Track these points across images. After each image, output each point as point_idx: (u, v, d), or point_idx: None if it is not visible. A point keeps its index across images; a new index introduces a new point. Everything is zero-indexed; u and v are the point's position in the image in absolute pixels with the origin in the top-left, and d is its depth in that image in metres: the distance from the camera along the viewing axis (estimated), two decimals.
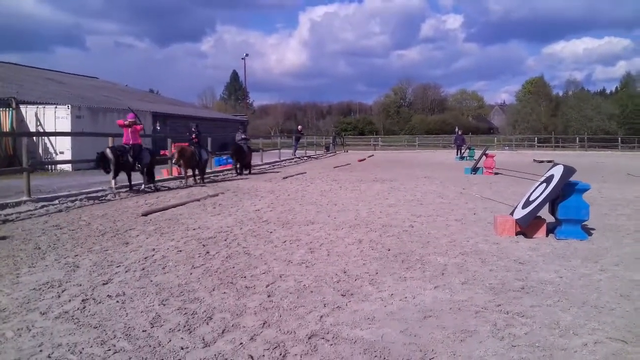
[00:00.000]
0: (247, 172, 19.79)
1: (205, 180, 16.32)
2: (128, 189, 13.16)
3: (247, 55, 61.36)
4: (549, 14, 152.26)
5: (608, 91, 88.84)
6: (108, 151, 12.51)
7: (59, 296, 4.65)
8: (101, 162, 12.40)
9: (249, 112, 78.32)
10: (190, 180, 15.60)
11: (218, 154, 23.09)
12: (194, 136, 16.37)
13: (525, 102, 71.11)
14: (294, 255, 6.23)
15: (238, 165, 19.56)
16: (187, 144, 16.14)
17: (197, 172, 15.94)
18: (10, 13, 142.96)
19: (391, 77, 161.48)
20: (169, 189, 14.22)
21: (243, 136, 20.09)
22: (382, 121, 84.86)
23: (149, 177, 13.86)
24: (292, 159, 30.79)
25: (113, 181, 12.70)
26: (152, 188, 13.78)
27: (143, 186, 13.63)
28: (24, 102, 22.60)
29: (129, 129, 13.13)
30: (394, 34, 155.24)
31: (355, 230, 7.77)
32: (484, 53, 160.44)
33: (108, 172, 12.60)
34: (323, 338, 3.69)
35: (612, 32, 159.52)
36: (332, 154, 41.50)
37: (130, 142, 13.04)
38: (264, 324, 3.98)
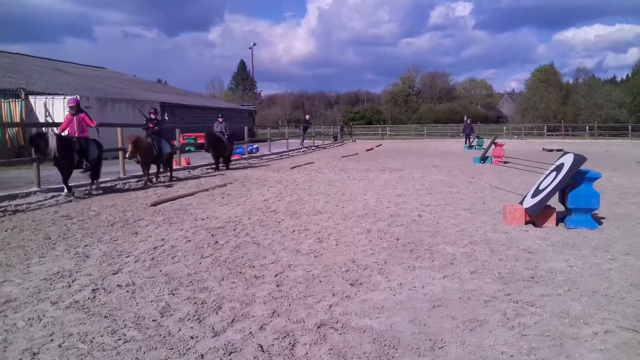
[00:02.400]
0: (223, 167, 17.54)
1: (174, 179, 13.96)
2: (66, 190, 10.64)
3: (254, 44, 61.31)
4: (560, 1, 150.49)
5: (619, 79, 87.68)
6: (51, 134, 10.36)
7: (70, 286, 4.68)
8: (38, 145, 10.13)
9: (257, 102, 78.27)
10: (158, 180, 13.39)
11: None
12: (152, 125, 13.43)
13: (534, 90, 70.47)
14: (302, 244, 6.24)
15: (220, 159, 17.42)
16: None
17: (163, 168, 13.88)
18: (18, 3, 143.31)
19: (400, 65, 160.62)
20: (178, 179, 14.26)
21: (222, 126, 17.85)
22: (390, 110, 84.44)
23: (94, 175, 11.40)
24: (300, 148, 30.77)
25: (65, 189, 10.63)
26: (97, 189, 11.52)
27: (89, 187, 11.38)
28: (33, 93, 22.72)
29: (74, 118, 10.93)
30: (402, 22, 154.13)
31: (363, 220, 7.76)
32: (494, 40, 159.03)
33: (41, 160, 10.52)
34: (332, 327, 3.70)
35: (624, 18, 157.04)
36: (340, 144, 41.43)
37: (76, 135, 10.86)
38: (273, 313, 3.99)
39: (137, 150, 12.11)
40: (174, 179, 14.02)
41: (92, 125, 11.31)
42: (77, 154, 10.63)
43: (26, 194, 10.13)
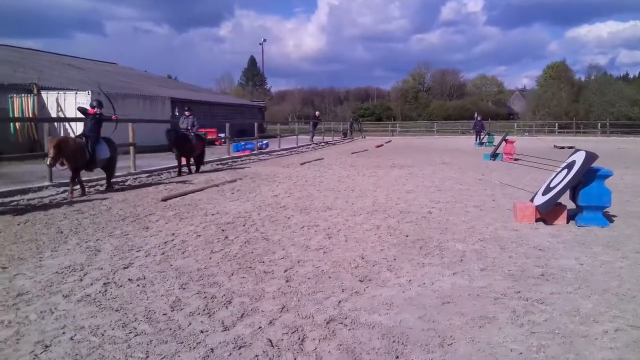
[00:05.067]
0: (195, 168, 14.98)
1: (114, 188, 11.16)
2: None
3: (264, 40, 61.46)
4: None
5: (631, 76, 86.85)
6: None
7: (81, 279, 4.73)
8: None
9: (267, 98, 78.32)
10: (84, 192, 10.24)
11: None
12: (94, 119, 10.81)
13: (546, 87, 69.96)
14: (312, 240, 6.25)
15: (192, 162, 14.93)
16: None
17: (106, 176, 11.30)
18: None
19: (410, 62, 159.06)
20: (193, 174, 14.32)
21: (190, 122, 15.04)
22: (400, 107, 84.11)
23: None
24: (310, 144, 30.77)
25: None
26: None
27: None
28: (45, 88, 22.85)
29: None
30: (413, 18, 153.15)
31: (373, 216, 7.76)
32: (505, 37, 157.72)
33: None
34: (341, 323, 3.71)
35: (638, 15, 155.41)
36: (349, 140, 41.40)
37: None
38: (282, 308, 4.00)
39: (61, 154, 9.66)
40: (115, 188, 11.24)
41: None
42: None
43: (38, 188, 10.22)
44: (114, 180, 11.56)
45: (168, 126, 14.94)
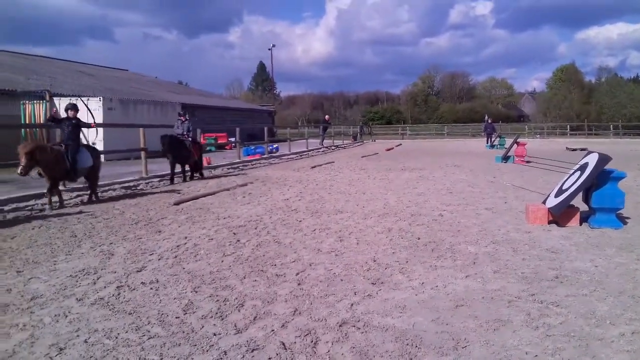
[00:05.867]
0: (196, 175, 14.47)
1: (97, 199, 10.31)
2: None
3: (274, 45, 61.45)
4: None
5: None
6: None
7: (95, 283, 4.76)
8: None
9: (276, 103, 78.50)
10: (61, 203, 9.52)
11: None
12: (67, 126, 10.04)
13: (556, 90, 69.54)
14: (323, 243, 6.25)
15: (188, 169, 14.15)
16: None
17: (90, 186, 10.43)
18: (41, 6, 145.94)
19: (419, 65, 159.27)
20: (202, 177, 14.37)
21: (186, 127, 14.14)
22: (410, 110, 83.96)
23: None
24: (320, 148, 30.79)
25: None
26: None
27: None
28: (57, 95, 23.08)
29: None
30: (422, 21, 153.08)
31: (384, 219, 7.74)
32: (514, 39, 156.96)
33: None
34: (354, 326, 3.70)
35: None
36: (359, 144, 41.35)
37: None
38: (294, 311, 4.00)
39: (37, 162, 8.81)
40: (100, 199, 10.39)
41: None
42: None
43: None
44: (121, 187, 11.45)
45: (169, 133, 13.72)
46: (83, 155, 9.94)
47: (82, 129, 10.59)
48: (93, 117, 12.32)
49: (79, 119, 10.18)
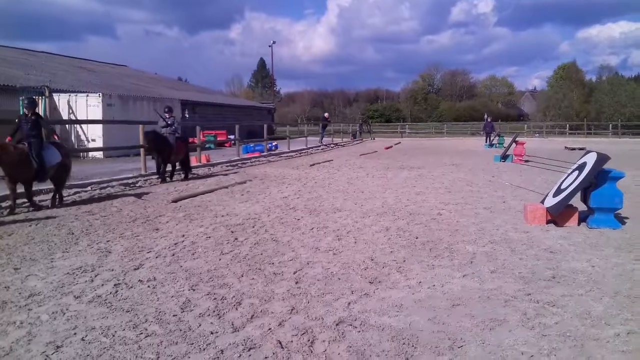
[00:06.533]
0: (171, 174, 13.56)
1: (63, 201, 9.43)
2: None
3: (274, 42, 61.46)
4: None
5: None
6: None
7: (92, 281, 4.76)
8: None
9: (276, 100, 78.48)
10: (33, 205, 8.81)
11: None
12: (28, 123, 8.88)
13: (557, 88, 69.43)
14: (321, 242, 6.25)
15: (178, 167, 13.77)
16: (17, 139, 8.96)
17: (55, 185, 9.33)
18: (43, 2, 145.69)
19: (420, 63, 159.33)
20: (198, 176, 14.38)
21: (169, 123, 13.25)
22: (410, 108, 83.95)
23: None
24: (319, 146, 30.79)
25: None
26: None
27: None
28: (56, 91, 23.08)
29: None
30: (423, 19, 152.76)
31: (382, 218, 7.75)
32: (516, 38, 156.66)
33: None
34: (351, 325, 3.70)
35: None
36: (358, 142, 41.35)
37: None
38: (292, 310, 4.01)
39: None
40: (61, 201, 9.37)
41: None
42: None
43: (49, 189, 10.28)
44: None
45: (155, 130, 12.99)
46: (49, 152, 9.04)
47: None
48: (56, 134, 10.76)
49: (38, 115, 9.29)
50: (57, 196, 9.30)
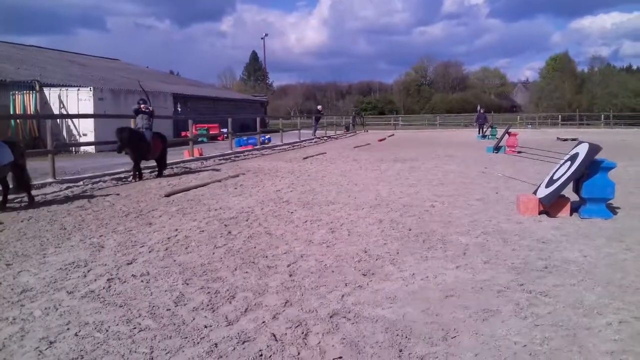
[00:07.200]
0: (157, 173, 13.05)
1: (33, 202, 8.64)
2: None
3: (266, 35, 61.29)
4: None
5: (635, 67, 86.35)
6: None
7: (85, 276, 4.74)
8: None
9: (269, 93, 78.23)
10: None
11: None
12: None
13: (549, 79, 69.64)
14: (314, 235, 6.26)
15: (155, 165, 13.21)
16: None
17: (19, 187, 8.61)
18: None
19: (413, 54, 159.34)
20: (191, 170, 14.33)
21: (147, 119, 12.52)
22: (403, 100, 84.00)
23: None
24: (312, 139, 30.75)
25: None
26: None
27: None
28: (47, 85, 22.90)
29: None
30: (416, 10, 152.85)
31: (375, 210, 7.76)
32: (508, 29, 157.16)
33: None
34: (344, 317, 3.71)
35: None
36: (352, 134, 41.35)
37: None
38: (285, 303, 4.01)
39: None
40: (33, 202, 8.61)
41: None
42: None
43: (42, 184, 10.24)
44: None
45: (127, 127, 12.27)
46: (3, 152, 8.03)
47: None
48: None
49: None
50: (27, 198, 8.65)
